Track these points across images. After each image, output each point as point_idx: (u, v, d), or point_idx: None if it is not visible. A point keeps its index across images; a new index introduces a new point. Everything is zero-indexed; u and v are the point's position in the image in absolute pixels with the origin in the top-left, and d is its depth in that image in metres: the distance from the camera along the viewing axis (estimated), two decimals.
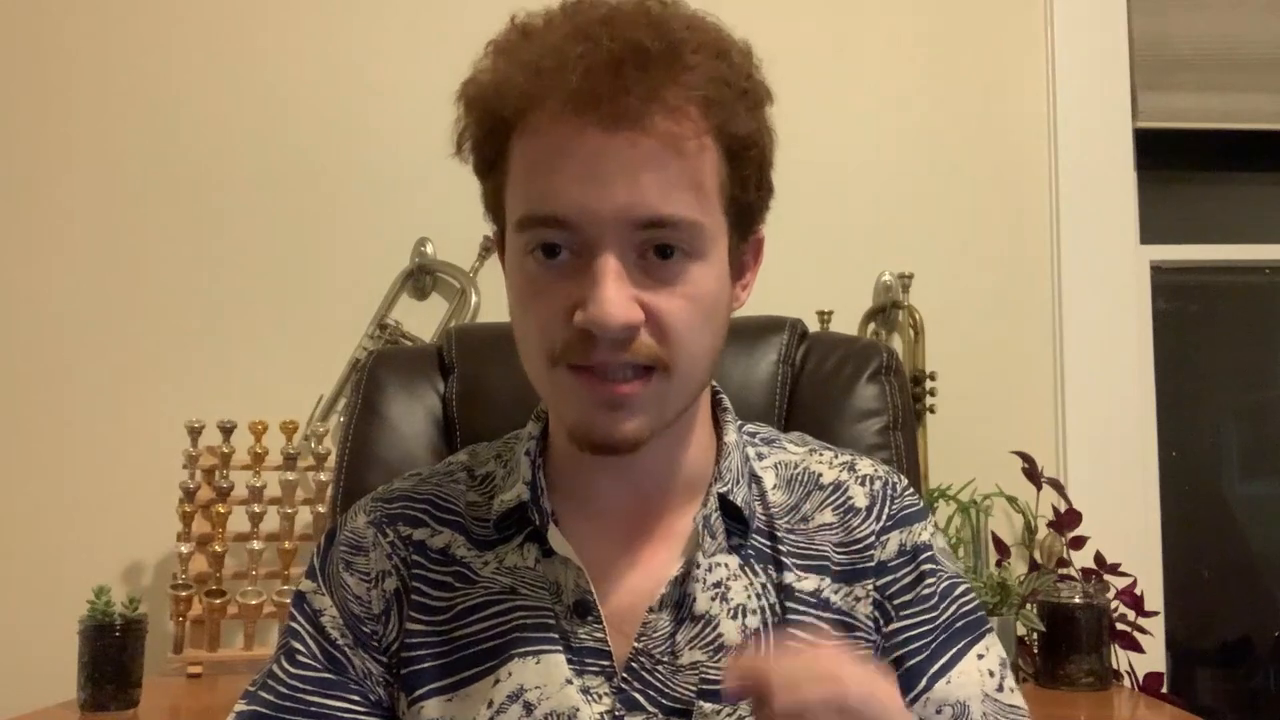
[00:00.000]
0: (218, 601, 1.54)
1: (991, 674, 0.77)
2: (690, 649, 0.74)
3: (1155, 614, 1.66)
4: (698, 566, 0.75)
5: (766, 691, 0.56)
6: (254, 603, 1.54)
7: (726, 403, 0.84)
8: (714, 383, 0.83)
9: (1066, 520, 1.67)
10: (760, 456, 0.83)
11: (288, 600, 0.92)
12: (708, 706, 0.73)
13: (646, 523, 0.78)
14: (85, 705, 1.33)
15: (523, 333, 0.73)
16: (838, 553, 0.78)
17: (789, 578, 0.77)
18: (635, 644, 0.74)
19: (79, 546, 1.66)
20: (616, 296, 0.66)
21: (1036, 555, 1.72)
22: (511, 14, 0.73)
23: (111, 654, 1.34)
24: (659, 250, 0.69)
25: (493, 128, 0.72)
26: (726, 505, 0.78)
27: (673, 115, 0.67)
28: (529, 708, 0.73)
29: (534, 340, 0.71)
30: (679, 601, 0.75)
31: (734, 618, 0.75)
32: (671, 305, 0.69)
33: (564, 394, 0.71)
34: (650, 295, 0.68)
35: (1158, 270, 1.88)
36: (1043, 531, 1.71)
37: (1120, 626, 1.59)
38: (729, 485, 0.78)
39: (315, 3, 1.80)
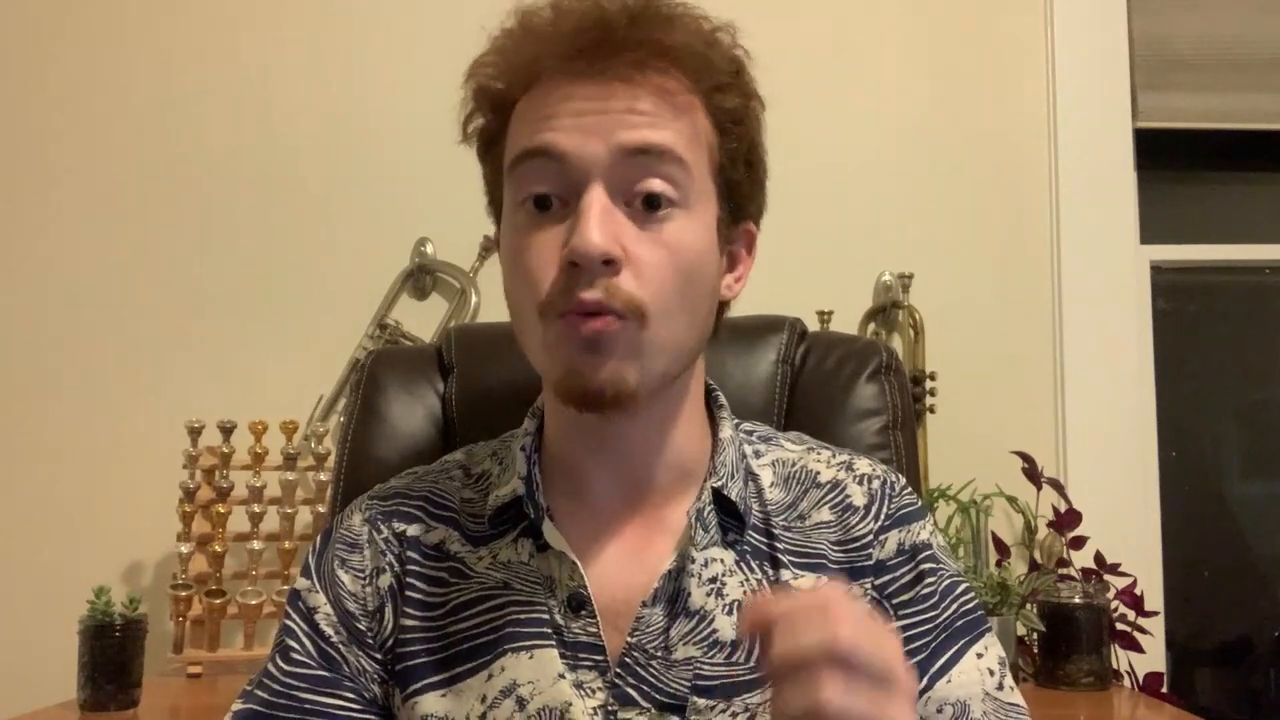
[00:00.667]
0: (218, 601, 1.54)
1: (991, 673, 0.77)
2: (684, 644, 0.74)
3: (1155, 614, 1.66)
4: (691, 561, 0.75)
5: (769, 636, 0.55)
6: (254, 603, 1.54)
7: (722, 399, 0.84)
8: (709, 380, 0.84)
9: (1066, 520, 1.67)
10: (758, 454, 0.83)
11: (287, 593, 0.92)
12: (701, 702, 0.73)
13: (640, 517, 0.78)
14: (85, 705, 1.33)
15: (514, 290, 0.74)
16: (835, 551, 0.78)
17: (785, 575, 0.77)
18: (629, 639, 0.74)
19: (79, 546, 1.66)
20: (600, 226, 0.68)
21: (1036, 555, 1.72)
22: (515, 4, 0.76)
23: (111, 654, 1.33)
24: (647, 201, 0.71)
25: (496, 105, 0.76)
26: (721, 500, 0.78)
27: (664, 73, 0.71)
28: (522, 702, 0.73)
29: (525, 292, 0.72)
30: (673, 596, 0.75)
31: (729, 613, 0.75)
32: (653, 253, 0.71)
33: (551, 345, 0.72)
34: (632, 240, 0.70)
35: (1158, 270, 1.88)
36: (1043, 531, 1.71)
37: (1120, 626, 1.59)
38: (723, 480, 0.78)
39: (315, 4, 1.80)
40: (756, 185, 0.80)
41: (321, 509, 1.61)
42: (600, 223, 0.68)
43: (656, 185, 0.71)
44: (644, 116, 0.70)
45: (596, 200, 0.69)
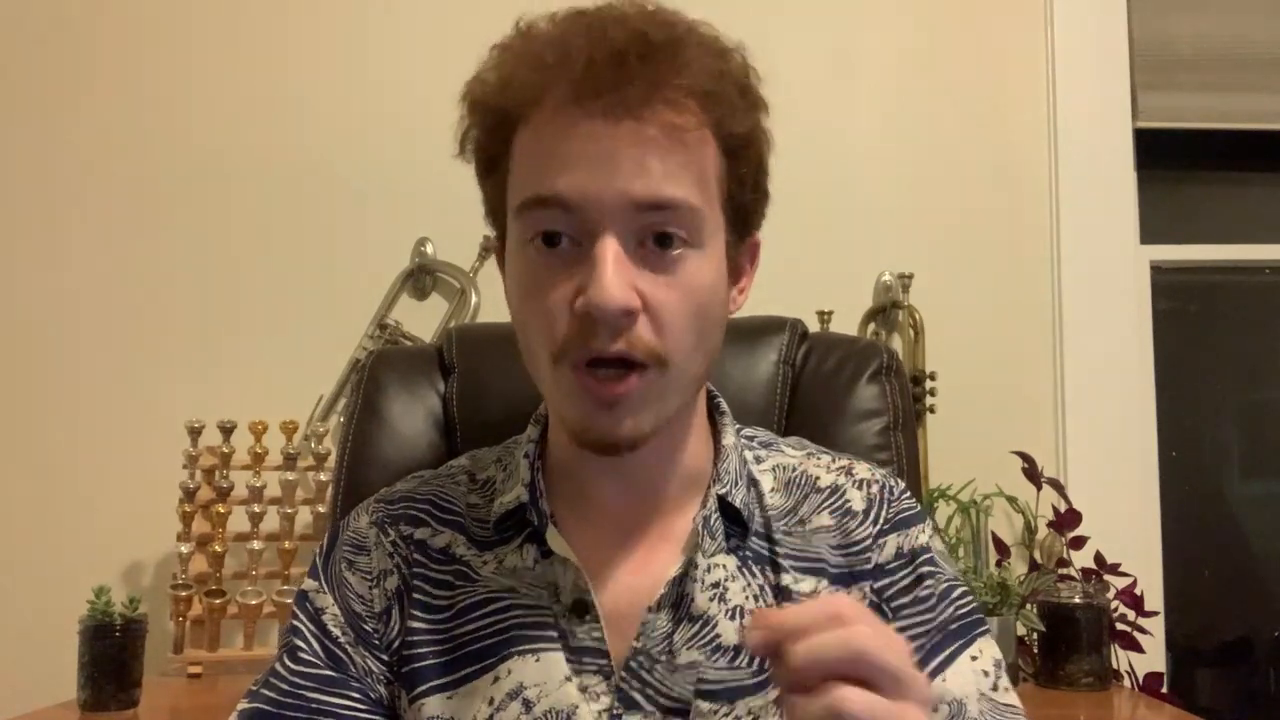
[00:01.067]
0: (218, 601, 1.54)
1: (986, 674, 0.77)
2: (688, 649, 0.74)
3: (1155, 614, 1.66)
4: (696, 567, 0.76)
5: (783, 643, 0.55)
6: (254, 603, 1.54)
7: (724, 406, 0.84)
8: (710, 386, 0.84)
9: (1066, 520, 1.67)
10: (758, 460, 0.84)
11: (288, 600, 0.92)
12: (705, 706, 0.73)
13: (644, 524, 0.78)
14: (85, 705, 1.33)
15: (524, 328, 0.73)
16: (835, 555, 0.79)
17: (786, 580, 0.77)
18: (634, 643, 0.74)
19: (79, 546, 1.66)
20: (616, 279, 0.67)
21: (1036, 555, 1.72)
22: (517, 17, 0.74)
23: (111, 654, 1.33)
24: (659, 239, 0.70)
25: (496, 125, 0.73)
26: (725, 506, 0.78)
27: (674, 107, 0.69)
28: (528, 705, 0.73)
29: (536, 336, 0.72)
30: (677, 601, 0.75)
31: (732, 618, 0.75)
32: (669, 297, 0.70)
33: (565, 394, 0.71)
34: (648, 285, 0.69)
35: (1158, 270, 1.88)
36: (1043, 531, 1.71)
37: (1120, 626, 1.59)
38: (727, 487, 0.78)
39: (315, 5, 1.80)
40: (762, 199, 0.79)
41: (321, 509, 1.61)
42: (616, 274, 0.67)
43: (669, 229, 0.70)
44: (656, 163, 0.68)
45: (610, 250, 0.68)
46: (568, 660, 0.74)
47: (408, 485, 0.85)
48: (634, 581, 0.76)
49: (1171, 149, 1.89)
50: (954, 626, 0.78)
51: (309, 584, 0.81)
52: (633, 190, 0.68)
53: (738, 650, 0.74)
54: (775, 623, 0.56)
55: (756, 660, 0.74)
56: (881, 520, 0.80)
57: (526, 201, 0.70)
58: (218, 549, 1.57)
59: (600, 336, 0.68)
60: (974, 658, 0.77)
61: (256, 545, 1.57)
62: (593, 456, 0.74)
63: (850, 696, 0.53)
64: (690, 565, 0.76)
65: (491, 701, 0.74)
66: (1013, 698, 0.77)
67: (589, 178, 0.68)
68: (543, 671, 0.74)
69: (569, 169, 0.68)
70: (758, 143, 0.75)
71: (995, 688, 0.76)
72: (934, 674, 0.75)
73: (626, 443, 0.71)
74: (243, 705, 0.77)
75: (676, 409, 0.74)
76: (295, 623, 0.80)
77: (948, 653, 0.77)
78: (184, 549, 1.55)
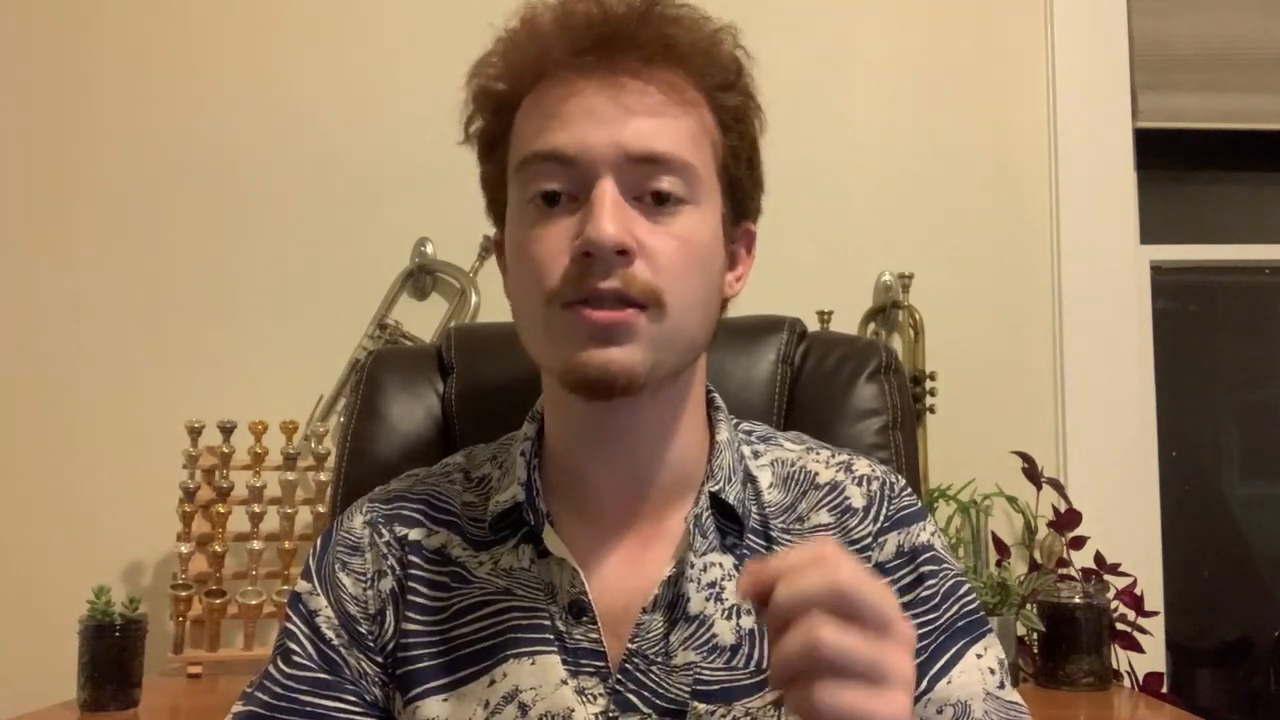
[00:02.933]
0: (218, 601, 1.54)
1: (992, 672, 0.76)
2: (684, 649, 0.74)
3: (1155, 614, 1.66)
4: (690, 566, 0.75)
5: (770, 588, 0.55)
6: (254, 603, 1.54)
7: (719, 401, 0.84)
8: (708, 383, 0.84)
9: (1066, 520, 1.67)
10: (756, 455, 0.83)
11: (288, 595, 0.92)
12: (702, 707, 0.73)
13: (640, 522, 0.78)
14: (85, 705, 1.33)
15: (522, 281, 0.74)
16: None
17: None
18: (629, 645, 0.74)
19: (79, 546, 1.66)
20: (614, 218, 0.69)
21: (1036, 555, 1.72)
22: (520, 5, 0.76)
23: (111, 654, 1.33)
24: (656, 196, 0.71)
25: (499, 105, 0.76)
26: (719, 504, 0.78)
27: (670, 68, 0.72)
28: (524, 708, 0.73)
29: (533, 283, 0.72)
30: (672, 602, 0.75)
31: (728, 618, 0.75)
32: (665, 244, 0.71)
33: (558, 333, 0.71)
34: (644, 232, 0.71)
35: (1158, 270, 1.88)
36: (1043, 531, 1.71)
37: (1120, 626, 1.59)
38: (721, 483, 0.78)
39: (315, 5, 1.80)
40: (756, 184, 0.80)
41: (321, 509, 1.61)
42: (613, 214, 0.69)
43: (665, 184, 0.71)
44: (652, 118, 0.71)
45: (608, 192, 0.69)
46: (564, 662, 0.74)
47: (402, 484, 0.85)
48: (629, 582, 0.76)
49: (1171, 149, 1.89)
50: (959, 625, 0.77)
51: (302, 585, 0.81)
52: (629, 142, 0.70)
53: (734, 650, 0.74)
54: (761, 568, 0.55)
55: (754, 661, 0.74)
56: (881, 518, 0.80)
57: (526, 158, 0.72)
58: (218, 549, 1.57)
59: (596, 274, 0.69)
60: (979, 655, 0.77)
61: (256, 545, 1.57)
62: (586, 436, 0.75)
63: (824, 627, 0.52)
64: (684, 565, 0.75)
65: (487, 704, 0.74)
66: (1016, 696, 0.77)
67: (586, 131, 0.70)
68: (539, 674, 0.73)
69: (567, 125, 0.71)
70: (750, 120, 0.78)
71: (1001, 685, 0.76)
72: (939, 675, 0.75)
73: (620, 380, 0.70)
74: (237, 708, 0.77)
75: (670, 367, 0.73)
76: (289, 625, 0.79)
77: (953, 652, 0.76)
78: (184, 549, 1.55)
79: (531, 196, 0.72)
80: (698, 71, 0.73)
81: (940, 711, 0.74)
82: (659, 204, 0.71)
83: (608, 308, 0.69)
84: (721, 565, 0.77)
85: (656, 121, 0.71)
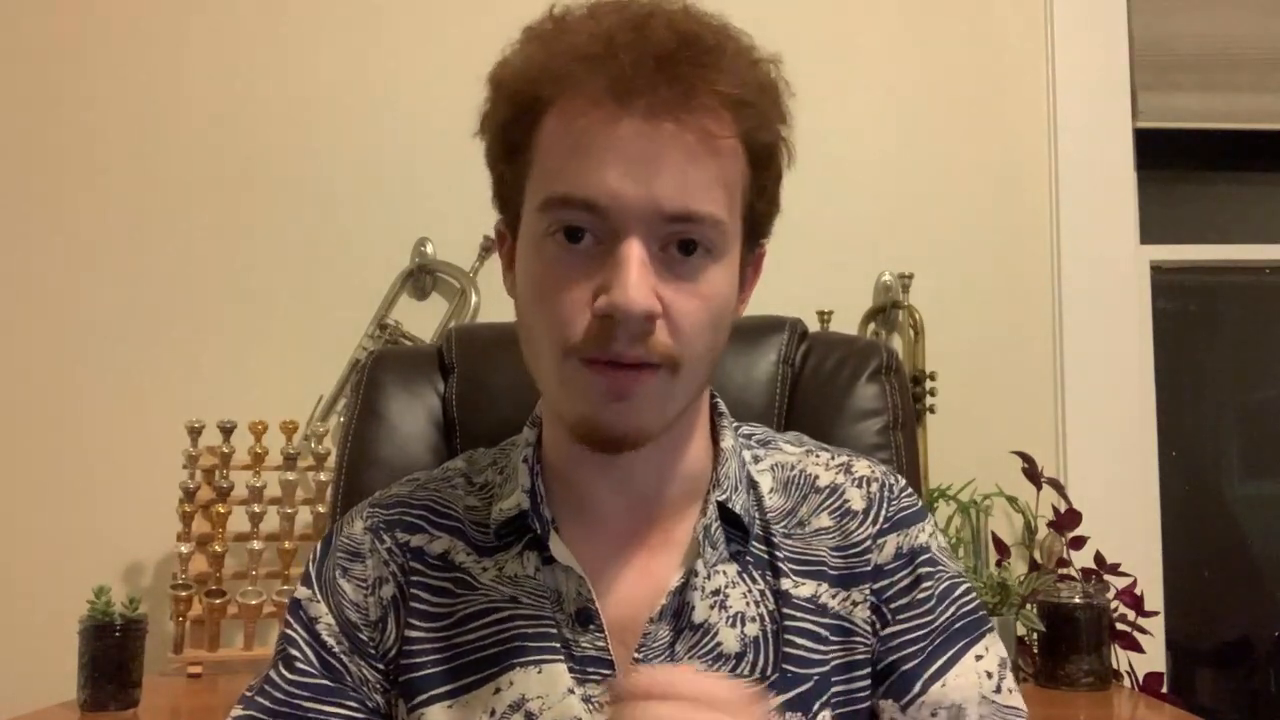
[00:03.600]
0: (218, 601, 1.54)
1: (990, 675, 0.76)
2: (689, 658, 0.74)
3: (1155, 614, 1.66)
4: (695, 574, 0.75)
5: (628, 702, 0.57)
6: (254, 603, 1.54)
7: (723, 408, 0.83)
8: (711, 389, 0.83)
9: (1066, 520, 1.67)
10: (757, 459, 0.83)
11: (287, 601, 0.92)
12: None
13: (645, 530, 0.77)
14: (85, 705, 1.33)
15: (534, 321, 0.72)
16: (835, 557, 0.78)
17: (786, 584, 0.76)
18: (635, 654, 0.74)
19: (79, 546, 1.66)
20: (640, 283, 0.66)
21: (1036, 555, 1.72)
22: (550, 4, 0.73)
23: (111, 654, 1.33)
24: (681, 245, 0.69)
25: (524, 110, 0.71)
26: (725, 513, 0.77)
27: (712, 114, 0.68)
28: (531, 717, 0.73)
29: (547, 329, 0.70)
30: (678, 611, 0.75)
31: (733, 625, 0.75)
32: (689, 305, 0.69)
33: (572, 387, 0.70)
34: (669, 292, 0.68)
35: (1158, 270, 1.88)
36: (1043, 531, 1.71)
37: (1120, 626, 1.59)
38: (727, 493, 0.77)
39: (316, 5, 1.80)
40: (774, 209, 0.78)
41: (321, 509, 1.61)
42: (640, 278, 0.66)
43: (694, 236, 0.69)
44: (689, 167, 0.67)
45: (635, 253, 0.66)
46: (571, 671, 0.73)
47: (403, 489, 0.84)
48: (635, 591, 0.75)
49: (1171, 149, 1.89)
50: (957, 626, 0.77)
51: (302, 592, 0.80)
52: (666, 200, 0.67)
53: (739, 658, 0.74)
54: (619, 688, 0.58)
55: (758, 668, 0.74)
56: (881, 520, 0.79)
57: (554, 198, 0.68)
58: (218, 549, 1.56)
59: (620, 340, 0.67)
60: (979, 657, 0.77)
61: (256, 545, 1.57)
62: (590, 457, 0.74)
63: None
64: (691, 575, 0.75)
65: (493, 713, 0.73)
66: (1016, 699, 0.77)
67: (623, 181, 0.66)
68: (546, 683, 0.73)
69: (603, 168, 0.67)
70: (780, 154, 0.75)
71: (999, 689, 0.76)
72: (934, 678, 0.75)
73: (631, 439, 0.70)
74: (236, 712, 0.76)
75: (679, 411, 0.73)
76: (289, 631, 0.79)
77: (950, 654, 0.76)
78: (184, 549, 1.55)
79: (554, 230, 0.69)
80: (738, 113, 0.70)
81: (934, 714, 0.74)
82: (684, 254, 0.69)
83: (625, 366, 0.68)
84: (725, 573, 0.76)
85: (692, 173, 0.68)
